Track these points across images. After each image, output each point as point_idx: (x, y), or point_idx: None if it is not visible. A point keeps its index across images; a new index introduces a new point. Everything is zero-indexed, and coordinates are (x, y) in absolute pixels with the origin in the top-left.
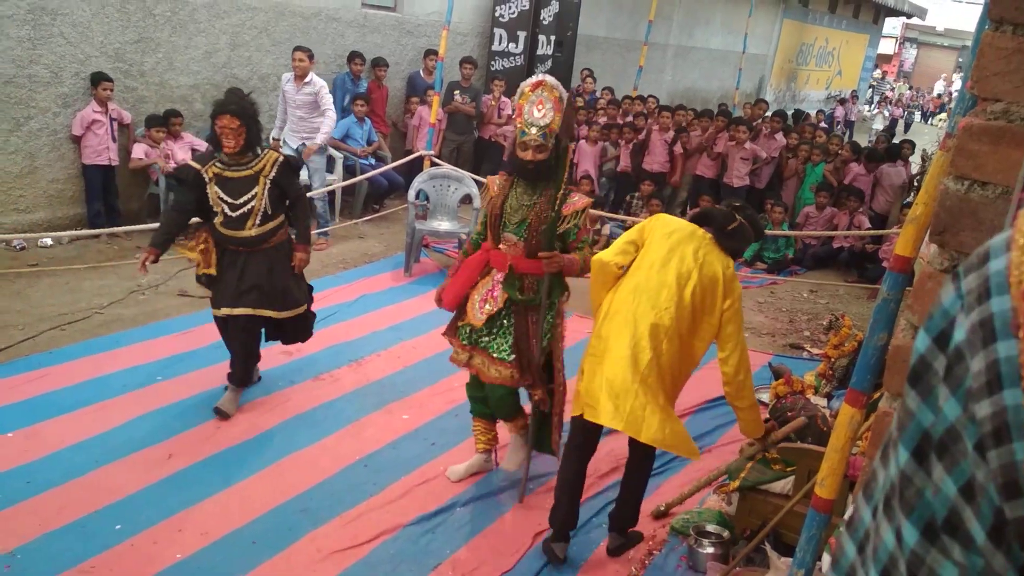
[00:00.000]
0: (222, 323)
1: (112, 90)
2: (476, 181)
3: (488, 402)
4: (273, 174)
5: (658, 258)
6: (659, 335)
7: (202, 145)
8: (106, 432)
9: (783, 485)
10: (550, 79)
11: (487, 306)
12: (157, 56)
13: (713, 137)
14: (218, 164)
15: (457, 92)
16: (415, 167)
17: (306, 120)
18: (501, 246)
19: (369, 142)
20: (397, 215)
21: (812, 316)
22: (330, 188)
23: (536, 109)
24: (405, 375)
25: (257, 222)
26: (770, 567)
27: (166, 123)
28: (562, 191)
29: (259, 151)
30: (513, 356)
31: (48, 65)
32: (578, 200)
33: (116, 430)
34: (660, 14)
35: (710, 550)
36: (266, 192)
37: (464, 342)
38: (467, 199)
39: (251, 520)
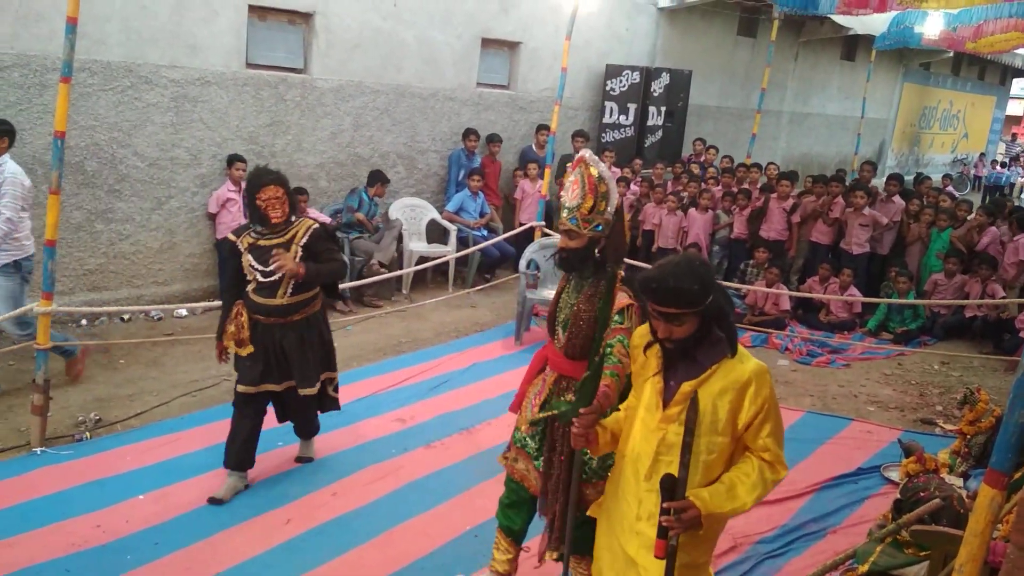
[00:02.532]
0: (242, 400)
1: (245, 170)
2: None
3: (522, 517)
4: (305, 240)
5: None
6: None
7: (326, 220)
8: (232, 498)
9: (916, 571)
10: (589, 155)
11: (537, 409)
12: (287, 138)
13: (829, 203)
14: (252, 234)
15: (569, 165)
16: (526, 238)
17: None
18: (555, 343)
19: (482, 214)
20: (508, 285)
21: (944, 389)
22: (445, 258)
23: (572, 189)
24: None
25: (289, 291)
26: None
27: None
28: (613, 286)
29: (293, 219)
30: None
31: (188, 148)
32: (621, 298)
33: (240, 494)
34: (774, 82)
35: None
36: (297, 259)
37: (515, 442)
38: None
39: None
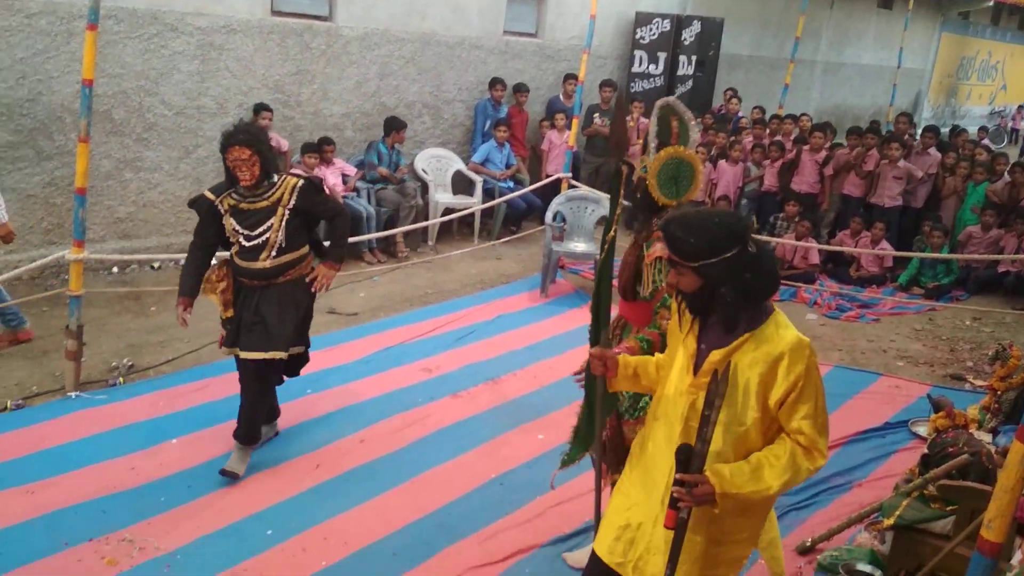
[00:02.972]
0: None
1: (271, 119)
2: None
3: None
4: (293, 202)
5: None
6: None
7: (351, 171)
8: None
9: (943, 525)
10: (669, 100)
11: None
12: (313, 87)
13: (863, 155)
14: (233, 195)
15: (597, 115)
16: (552, 190)
17: None
18: None
19: (508, 166)
20: (534, 237)
21: (975, 345)
22: (471, 210)
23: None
24: (541, 395)
25: (272, 254)
26: None
27: (319, 150)
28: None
29: (275, 179)
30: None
31: (215, 97)
32: (657, 248)
33: (269, 441)
34: (808, 31)
35: None
36: (284, 224)
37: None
38: (603, 220)
39: (391, 533)
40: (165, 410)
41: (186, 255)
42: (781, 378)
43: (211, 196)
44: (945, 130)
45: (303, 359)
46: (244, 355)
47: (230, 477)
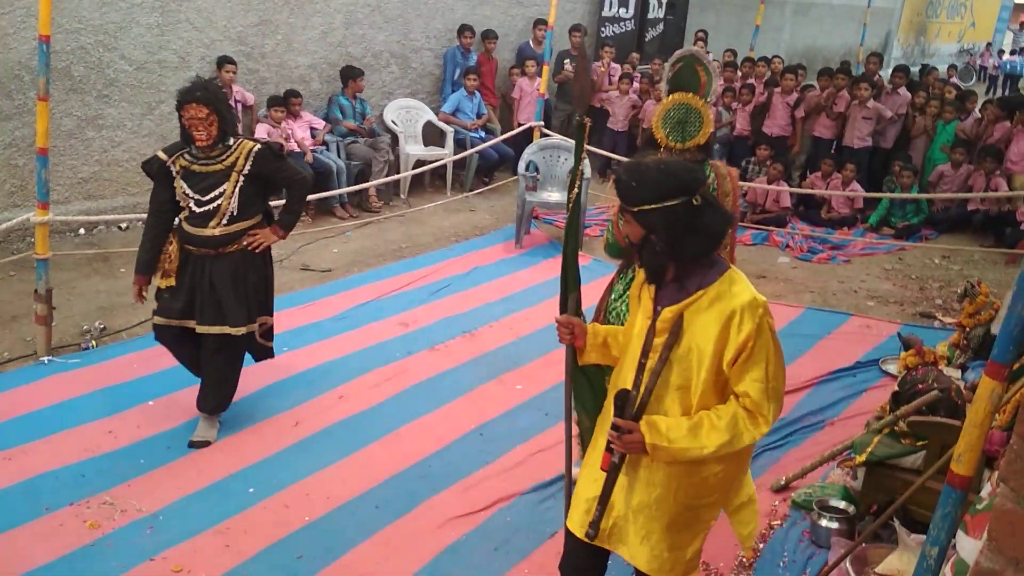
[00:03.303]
0: (172, 337)
1: (236, 72)
2: (588, 151)
3: None
4: (248, 168)
5: None
6: None
7: (319, 124)
8: (238, 401)
9: (913, 460)
10: (693, 50)
11: None
12: (277, 38)
13: (833, 96)
14: (186, 156)
15: (567, 61)
16: (524, 139)
17: None
18: None
19: (479, 115)
20: (507, 187)
21: (944, 283)
22: (442, 162)
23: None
24: (518, 346)
25: (223, 222)
26: (899, 544)
27: (286, 103)
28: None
29: (232, 142)
30: None
31: (176, 50)
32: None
33: (247, 398)
34: None
35: (835, 525)
36: (237, 190)
37: None
38: None
39: (373, 486)
40: (140, 372)
41: (143, 233)
42: (732, 336)
43: (163, 156)
44: (915, 69)
45: (267, 351)
46: (202, 330)
47: (201, 446)
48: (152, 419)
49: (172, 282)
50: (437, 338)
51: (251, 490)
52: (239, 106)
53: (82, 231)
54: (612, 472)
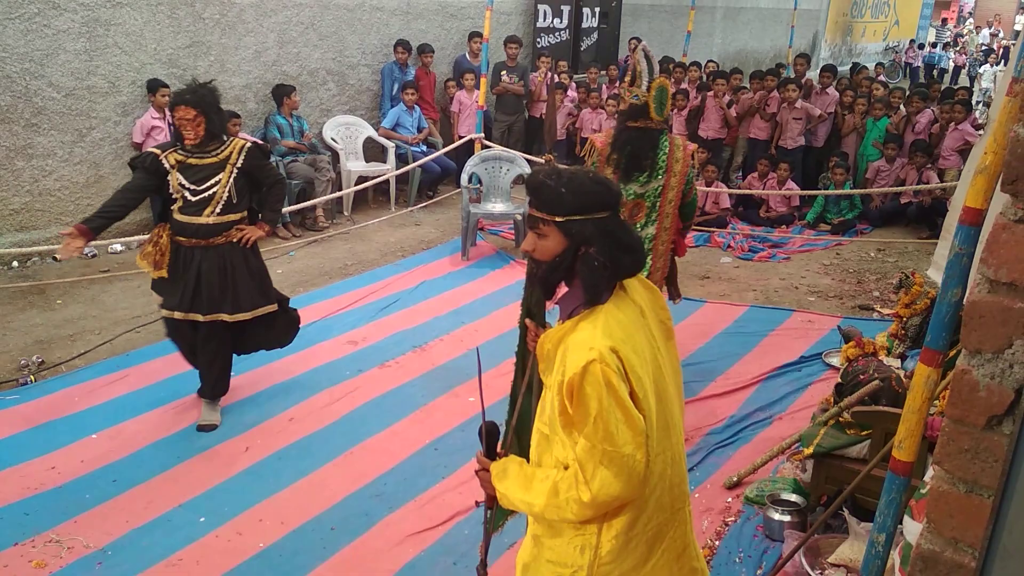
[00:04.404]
0: (174, 328)
1: (169, 95)
2: (528, 160)
3: None
4: (241, 162)
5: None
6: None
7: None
8: (185, 428)
9: (859, 449)
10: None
11: None
12: (209, 59)
13: (765, 98)
14: (180, 151)
15: (504, 72)
16: (466, 151)
17: None
18: None
19: (419, 129)
20: (451, 200)
21: (881, 275)
22: (384, 177)
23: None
24: (468, 358)
25: (217, 211)
26: (849, 533)
27: None
28: None
29: (225, 139)
30: None
31: (105, 75)
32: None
33: (195, 426)
34: None
35: (787, 518)
36: (232, 180)
37: None
38: (520, 179)
39: (328, 508)
40: (82, 405)
41: (111, 198)
42: (567, 383)
43: (156, 150)
44: (844, 68)
45: (284, 321)
46: (206, 318)
47: (208, 430)
48: (96, 453)
49: (164, 273)
50: (388, 355)
51: (202, 519)
52: (173, 129)
53: (15, 264)
54: (487, 505)
